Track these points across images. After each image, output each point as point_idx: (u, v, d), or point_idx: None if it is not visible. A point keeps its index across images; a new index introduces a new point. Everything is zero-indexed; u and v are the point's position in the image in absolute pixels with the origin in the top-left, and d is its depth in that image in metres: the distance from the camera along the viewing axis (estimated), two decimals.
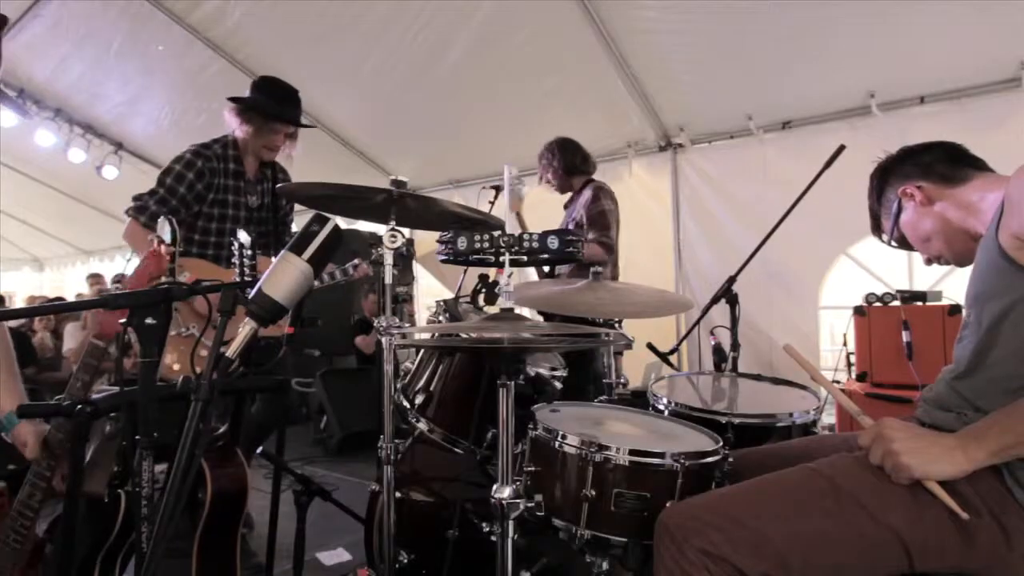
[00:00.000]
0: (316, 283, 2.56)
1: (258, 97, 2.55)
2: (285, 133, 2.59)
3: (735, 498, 1.10)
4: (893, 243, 1.36)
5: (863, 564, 1.02)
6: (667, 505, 1.20)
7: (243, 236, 1.51)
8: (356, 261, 2.64)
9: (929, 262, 1.33)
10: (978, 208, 1.19)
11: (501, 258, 1.24)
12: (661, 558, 1.08)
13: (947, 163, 1.25)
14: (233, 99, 2.55)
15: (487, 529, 1.59)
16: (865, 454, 1.08)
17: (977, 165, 1.25)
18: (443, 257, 1.29)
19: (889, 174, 1.33)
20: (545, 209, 5.07)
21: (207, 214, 2.48)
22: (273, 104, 2.55)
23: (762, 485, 1.12)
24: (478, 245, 1.23)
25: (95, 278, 6.85)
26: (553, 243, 1.24)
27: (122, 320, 1.19)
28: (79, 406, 1.39)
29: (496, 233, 1.24)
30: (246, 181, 2.57)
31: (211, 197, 2.47)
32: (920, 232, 1.28)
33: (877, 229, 1.40)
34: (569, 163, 3.33)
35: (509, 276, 1.25)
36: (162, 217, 1.49)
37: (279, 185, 2.61)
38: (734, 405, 1.85)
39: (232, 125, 2.54)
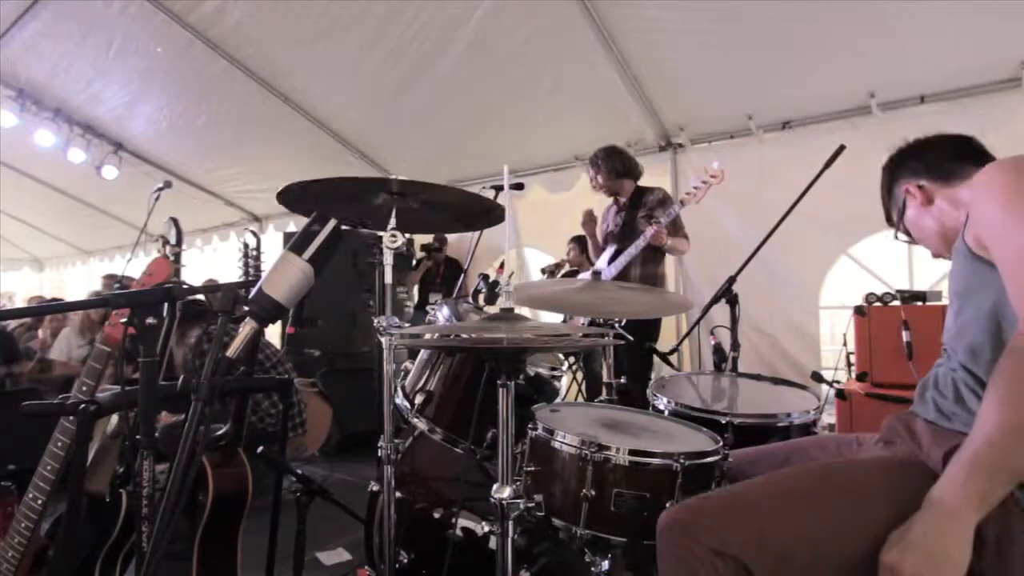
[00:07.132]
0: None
1: None
2: None
3: (748, 496, 1.09)
4: (902, 237, 1.37)
5: (871, 558, 1.01)
6: (667, 505, 1.20)
7: (250, 237, 1.51)
8: None
9: (937, 256, 1.34)
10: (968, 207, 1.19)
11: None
12: (664, 554, 1.06)
13: (950, 159, 1.25)
14: None
15: (487, 529, 1.59)
16: (882, 456, 1.06)
17: (980, 161, 1.23)
18: None
19: (897, 169, 1.34)
20: (545, 210, 5.09)
21: None
22: None
23: (775, 486, 1.11)
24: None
25: (110, 279, 6.81)
26: None
27: (123, 320, 1.19)
28: (83, 405, 1.39)
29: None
30: None
31: None
32: (921, 230, 1.29)
33: (889, 221, 1.40)
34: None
35: (510, 276, 1.25)
36: (168, 219, 1.50)
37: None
38: (734, 405, 1.85)
39: None
